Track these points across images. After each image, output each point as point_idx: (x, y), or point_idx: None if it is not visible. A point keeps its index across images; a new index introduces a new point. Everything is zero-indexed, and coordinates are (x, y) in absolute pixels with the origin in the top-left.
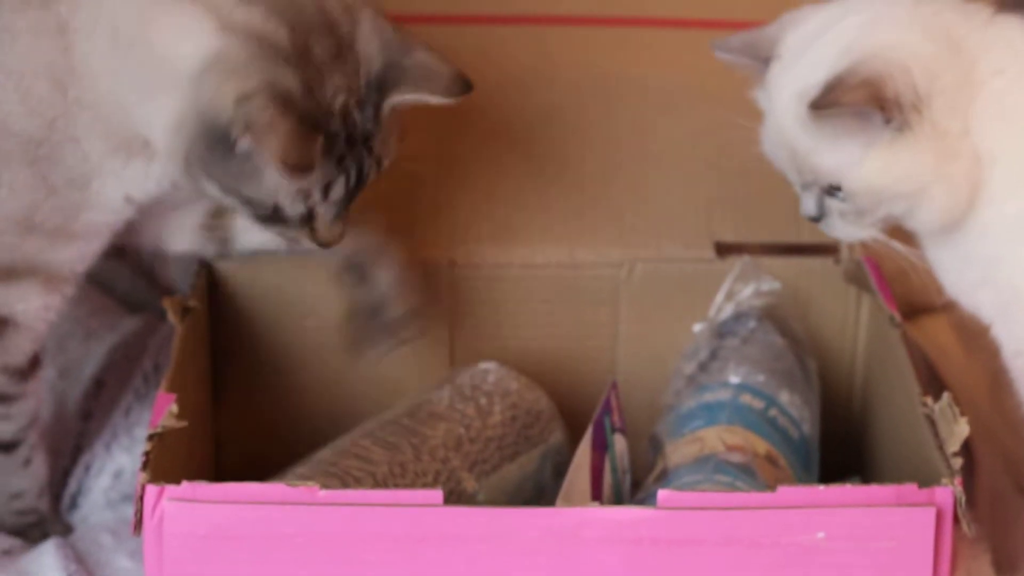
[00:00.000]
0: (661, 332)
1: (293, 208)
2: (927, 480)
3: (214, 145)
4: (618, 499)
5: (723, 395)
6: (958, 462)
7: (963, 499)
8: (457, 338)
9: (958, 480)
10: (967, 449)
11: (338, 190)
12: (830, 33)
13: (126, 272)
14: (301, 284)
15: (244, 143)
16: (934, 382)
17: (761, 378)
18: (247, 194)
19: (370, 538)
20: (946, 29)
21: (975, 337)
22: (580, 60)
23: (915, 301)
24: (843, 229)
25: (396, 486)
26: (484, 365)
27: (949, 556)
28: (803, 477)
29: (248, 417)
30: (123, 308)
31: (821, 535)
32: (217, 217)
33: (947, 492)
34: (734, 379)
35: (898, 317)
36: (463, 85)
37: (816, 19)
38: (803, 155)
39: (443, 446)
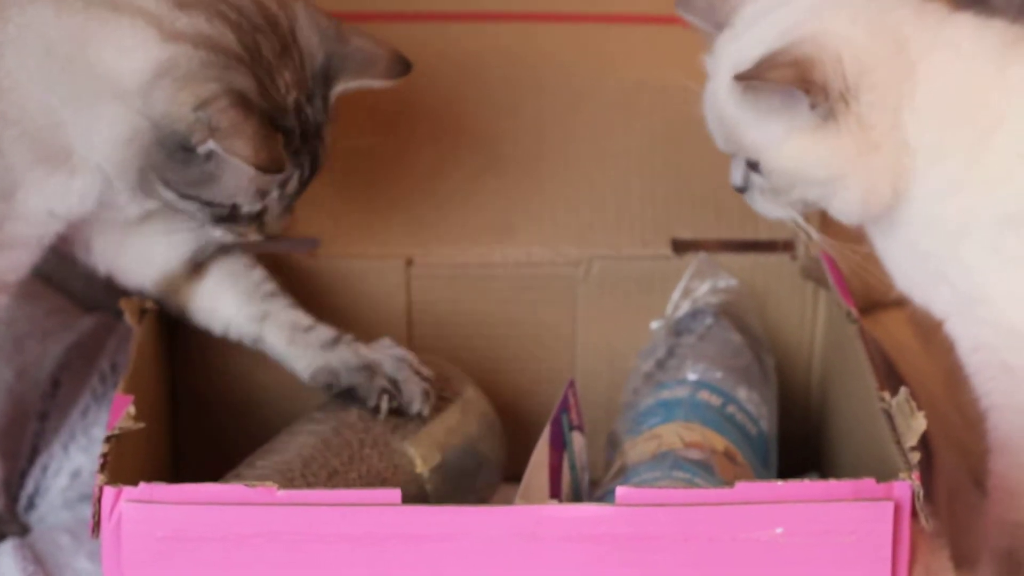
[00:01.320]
0: (619, 330)
1: (251, 206)
2: (885, 475)
3: (173, 153)
4: (577, 497)
5: (681, 392)
6: (915, 456)
7: (921, 493)
8: (415, 336)
9: (916, 474)
10: (925, 444)
11: (293, 184)
12: (779, 11)
13: (81, 271)
14: None
15: (207, 148)
16: (892, 377)
17: (719, 375)
18: (207, 198)
19: (329, 538)
20: (893, 25)
21: (932, 332)
22: (540, 58)
23: (872, 296)
24: (762, 205)
25: (324, 464)
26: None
27: (907, 550)
28: (762, 473)
29: (206, 417)
30: (80, 307)
31: (780, 530)
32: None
33: (905, 486)
34: (692, 376)
35: (855, 312)
36: (403, 65)
37: None
38: (731, 125)
39: (359, 419)
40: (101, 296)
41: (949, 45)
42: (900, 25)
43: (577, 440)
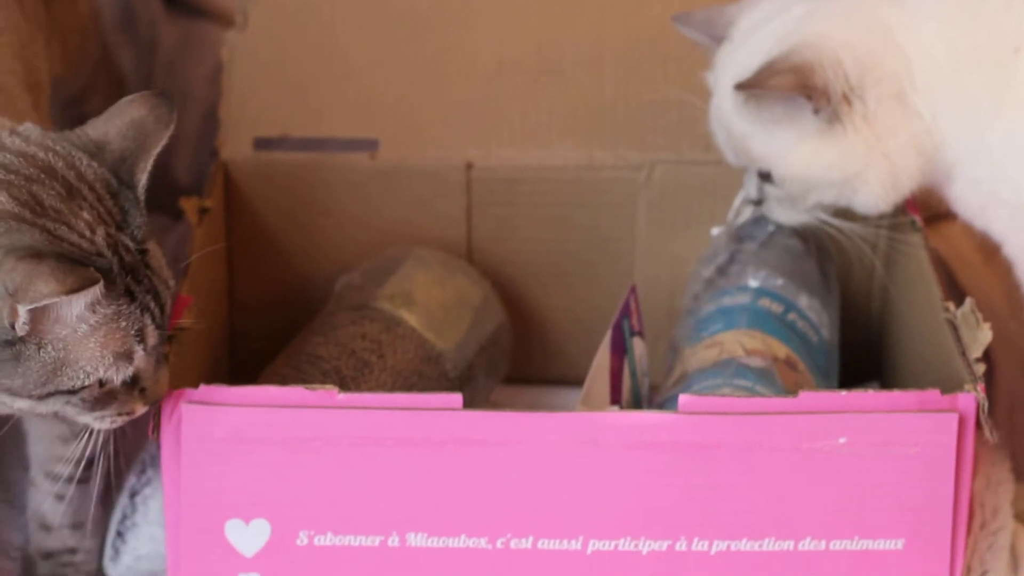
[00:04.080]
0: (680, 236)
1: (120, 374)
2: (949, 386)
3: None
4: (637, 403)
5: (742, 299)
6: (981, 368)
7: (986, 405)
8: (473, 240)
9: (981, 386)
10: (987, 356)
11: (151, 334)
12: (776, 21)
13: None
14: (316, 185)
15: (25, 326)
16: (952, 289)
17: (780, 282)
18: (66, 386)
19: (389, 442)
20: (880, 18)
21: (994, 249)
22: None
23: (933, 208)
24: (781, 214)
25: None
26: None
27: (971, 462)
28: (822, 382)
29: (263, 317)
30: None
31: (843, 440)
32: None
33: (970, 398)
34: (753, 283)
35: (919, 221)
36: (165, 106)
37: (769, 6)
38: (738, 138)
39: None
40: (164, 197)
41: (931, 13)
42: (886, 16)
43: (638, 346)
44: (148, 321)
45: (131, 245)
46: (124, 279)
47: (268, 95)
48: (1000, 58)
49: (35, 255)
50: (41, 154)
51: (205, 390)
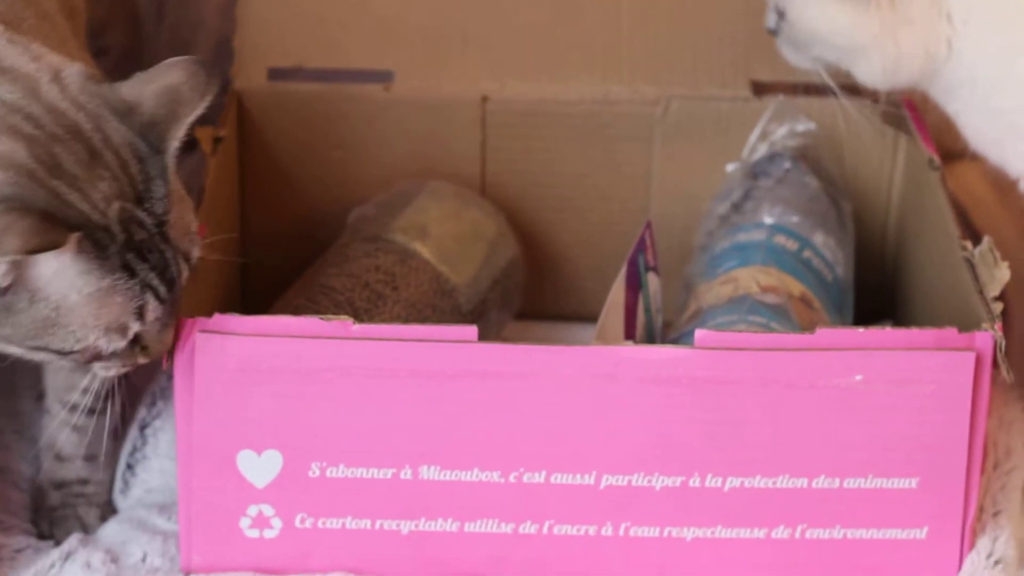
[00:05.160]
0: (695, 171)
1: (111, 344)
2: (966, 325)
3: None
4: (650, 338)
5: (757, 236)
6: (999, 307)
7: (1003, 344)
8: (488, 174)
9: (998, 325)
10: (1001, 297)
11: (153, 309)
12: None
13: None
14: (330, 116)
15: (2, 270)
16: (967, 229)
17: (795, 219)
18: (56, 347)
19: (403, 374)
20: None
21: (1009, 187)
22: None
23: (949, 146)
24: (788, 52)
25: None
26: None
27: (987, 401)
28: (837, 320)
29: (276, 248)
30: None
31: (859, 378)
32: None
33: (987, 337)
34: (768, 220)
35: (937, 160)
36: (201, 73)
37: None
38: None
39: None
40: None
41: None
42: None
43: (653, 281)
44: (150, 298)
45: (147, 220)
46: (124, 256)
47: (283, 25)
48: None
49: (20, 209)
50: (72, 111)
51: (218, 319)
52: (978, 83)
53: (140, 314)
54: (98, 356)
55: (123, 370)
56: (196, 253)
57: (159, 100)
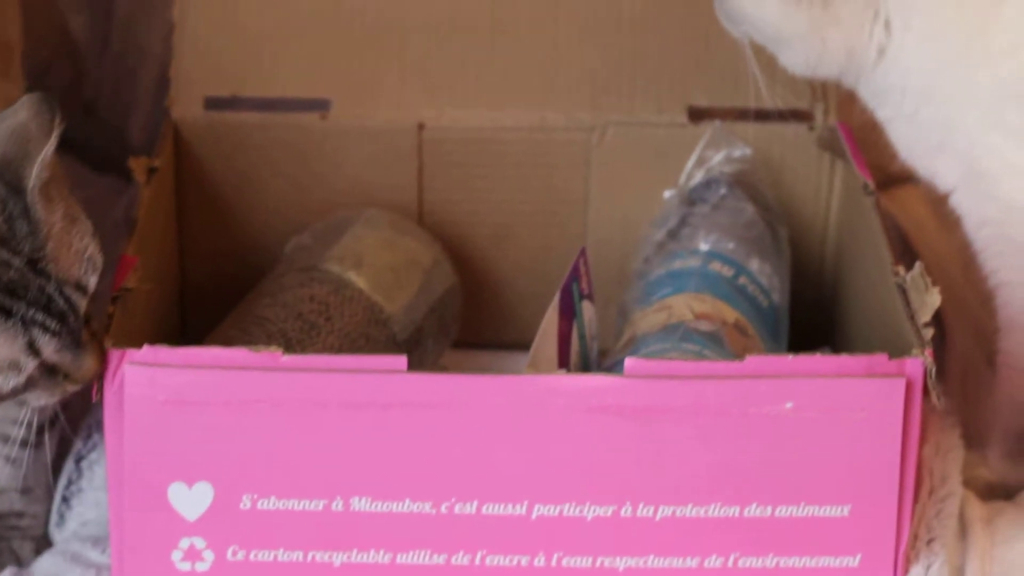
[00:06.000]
0: (632, 198)
1: (11, 381)
2: (898, 351)
3: None
4: (585, 366)
5: (692, 262)
6: (929, 333)
7: (933, 371)
8: (425, 202)
9: (929, 351)
10: (939, 321)
11: (47, 343)
12: None
13: (105, 131)
14: (267, 145)
15: None
16: (907, 253)
17: (731, 245)
18: None
19: (333, 404)
20: None
21: (950, 211)
22: None
23: (889, 171)
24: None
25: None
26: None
27: (918, 428)
28: (772, 346)
29: (214, 277)
30: (95, 170)
31: (789, 405)
32: None
33: (917, 363)
34: (703, 246)
35: (871, 185)
36: (47, 111)
37: None
38: None
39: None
40: (118, 158)
41: None
42: None
43: (587, 309)
44: (38, 334)
45: (14, 260)
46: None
47: (219, 54)
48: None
49: None
50: None
51: (148, 351)
52: (908, 92)
53: (33, 350)
54: (14, 391)
55: (53, 399)
56: (91, 280)
57: (10, 140)
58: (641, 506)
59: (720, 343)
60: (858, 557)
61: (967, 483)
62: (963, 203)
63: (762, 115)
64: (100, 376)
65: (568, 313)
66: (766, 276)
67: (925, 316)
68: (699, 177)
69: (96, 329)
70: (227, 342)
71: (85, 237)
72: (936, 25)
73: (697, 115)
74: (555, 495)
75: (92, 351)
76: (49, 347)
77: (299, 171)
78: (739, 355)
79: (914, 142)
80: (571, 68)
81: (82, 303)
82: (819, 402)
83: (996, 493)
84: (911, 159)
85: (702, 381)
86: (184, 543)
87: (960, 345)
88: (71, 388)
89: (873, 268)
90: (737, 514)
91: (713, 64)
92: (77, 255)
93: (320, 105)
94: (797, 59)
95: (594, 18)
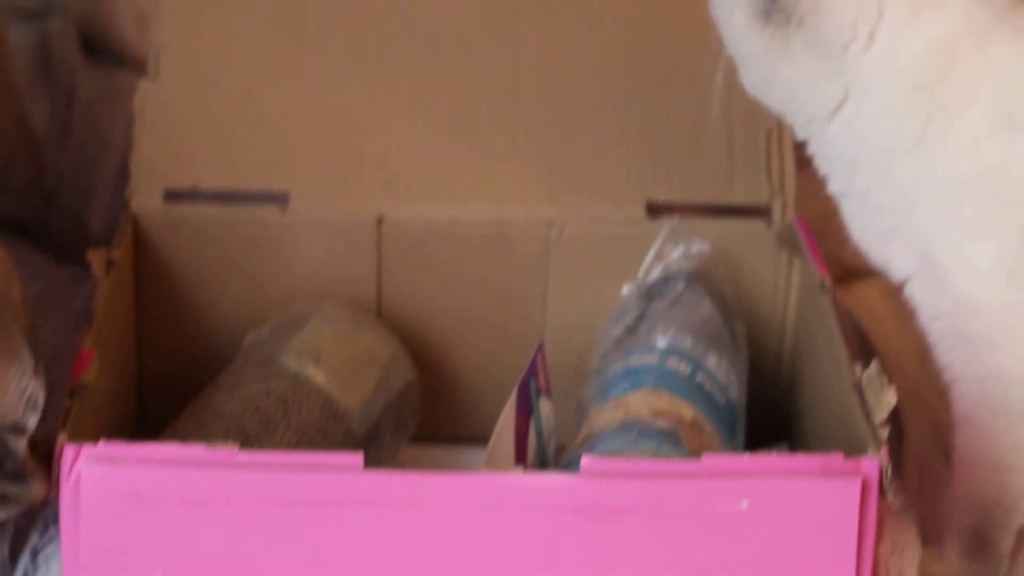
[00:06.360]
0: (591, 293)
1: None
2: (854, 449)
3: None
4: (543, 464)
5: (649, 359)
6: (885, 432)
7: (889, 470)
8: (384, 296)
9: (884, 450)
10: (896, 417)
11: None
12: None
13: (65, 221)
14: (227, 238)
15: None
16: (865, 349)
17: (689, 342)
18: None
19: (289, 501)
20: None
21: (906, 304)
22: (516, 12)
23: (849, 264)
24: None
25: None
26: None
27: (874, 526)
28: (729, 443)
29: (173, 371)
30: (55, 260)
31: (745, 504)
32: None
33: (873, 463)
34: (661, 342)
35: (828, 282)
36: None
37: None
38: None
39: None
40: (78, 248)
41: (934, 14)
42: None
43: (545, 406)
44: None
45: None
46: None
47: (179, 146)
48: (952, 92)
49: None
50: None
51: (105, 447)
52: (860, 167)
53: None
54: None
55: (5, 516)
56: (31, 419)
57: None
58: None
59: (677, 441)
60: None
61: None
62: (917, 294)
63: (720, 211)
64: (57, 471)
65: (525, 409)
66: (723, 373)
67: (881, 415)
68: (657, 272)
69: (43, 452)
70: (184, 437)
71: (24, 377)
72: (894, 104)
73: (655, 210)
74: None
75: (38, 479)
76: None
77: (258, 264)
78: (696, 453)
79: (867, 225)
80: (530, 163)
81: (21, 443)
82: (775, 501)
83: None
84: (863, 243)
85: (658, 480)
86: None
87: (917, 441)
88: (26, 506)
89: (830, 366)
90: None
91: (671, 160)
92: (15, 397)
93: (279, 198)
94: (747, 78)
95: (552, 114)
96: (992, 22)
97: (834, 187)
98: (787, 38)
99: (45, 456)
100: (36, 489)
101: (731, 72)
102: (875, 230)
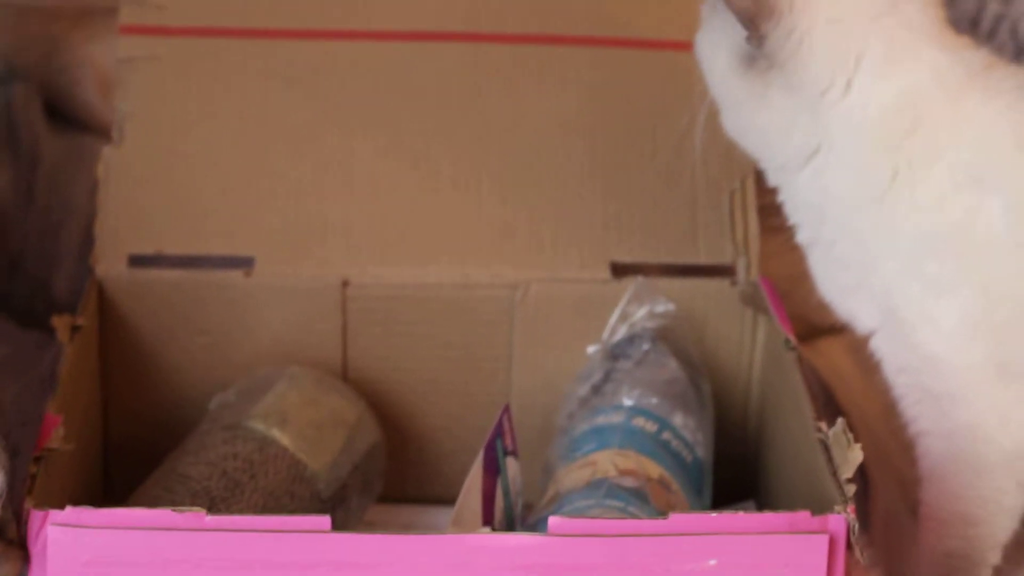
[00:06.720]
0: (556, 354)
1: None
2: (821, 506)
3: None
4: (510, 524)
5: (616, 418)
6: (851, 489)
7: (856, 526)
8: (349, 358)
9: (851, 507)
10: (863, 473)
11: None
12: None
13: (27, 287)
14: (191, 302)
15: None
16: (830, 406)
17: (654, 401)
18: None
19: (257, 565)
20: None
21: (871, 360)
22: (480, 77)
23: (814, 322)
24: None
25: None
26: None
27: None
28: (696, 502)
29: (139, 435)
30: (18, 326)
31: (713, 562)
32: None
33: (840, 520)
34: (627, 402)
35: (793, 340)
36: None
37: None
38: None
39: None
40: (43, 314)
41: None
42: (869, 31)
43: (511, 466)
44: None
45: None
46: None
47: (143, 211)
48: (921, 150)
49: None
50: None
51: (71, 512)
52: (827, 218)
53: None
54: None
55: None
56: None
57: None
58: None
59: (644, 499)
60: None
61: None
62: (882, 347)
63: (685, 270)
64: (24, 536)
65: (492, 470)
66: (690, 431)
67: (847, 472)
68: (622, 332)
69: (11, 535)
70: (151, 501)
71: None
72: (863, 156)
73: (620, 271)
74: None
75: (10, 558)
76: None
77: (223, 328)
78: (663, 512)
79: (832, 276)
80: (493, 225)
81: None
82: (743, 559)
83: None
84: (829, 295)
85: (625, 539)
86: None
87: (883, 496)
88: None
89: (795, 424)
90: None
91: (635, 220)
92: None
93: (244, 263)
94: (727, 122)
95: (516, 176)
96: (965, 79)
97: (802, 236)
98: (768, 84)
99: (17, 535)
100: (7, 570)
101: (696, 133)
102: (840, 282)
